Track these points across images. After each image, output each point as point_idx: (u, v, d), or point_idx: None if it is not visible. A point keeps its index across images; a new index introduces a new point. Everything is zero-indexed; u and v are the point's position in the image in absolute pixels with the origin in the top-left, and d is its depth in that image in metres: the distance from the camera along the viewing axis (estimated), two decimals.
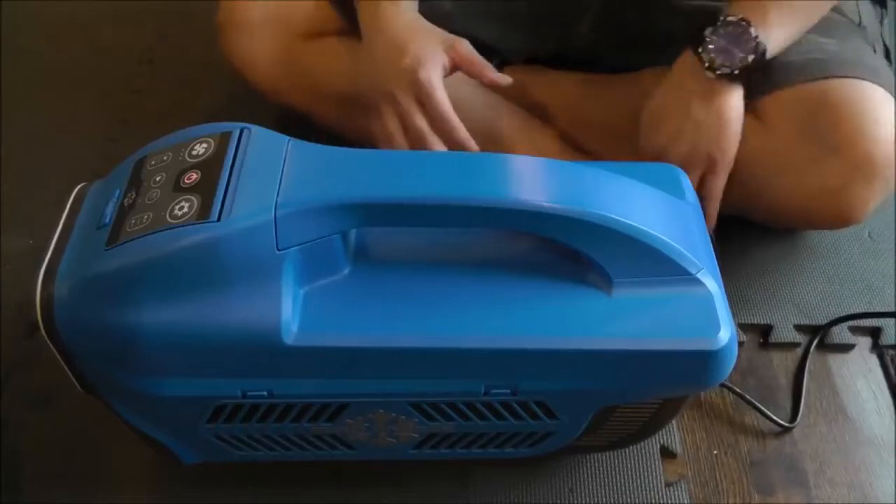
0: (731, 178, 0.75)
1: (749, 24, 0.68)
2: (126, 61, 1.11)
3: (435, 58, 0.69)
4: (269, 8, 0.86)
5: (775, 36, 0.69)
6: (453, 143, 0.70)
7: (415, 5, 0.75)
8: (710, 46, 0.68)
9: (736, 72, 0.68)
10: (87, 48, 1.13)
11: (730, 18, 0.68)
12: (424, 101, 0.69)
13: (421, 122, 0.70)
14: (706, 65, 0.68)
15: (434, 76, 0.68)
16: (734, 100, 0.70)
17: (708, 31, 0.68)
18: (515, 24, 0.84)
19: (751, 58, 0.68)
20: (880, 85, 0.72)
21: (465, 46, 0.71)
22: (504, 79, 0.72)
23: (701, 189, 0.72)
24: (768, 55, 0.69)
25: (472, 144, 0.70)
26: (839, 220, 0.74)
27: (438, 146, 0.70)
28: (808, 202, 0.73)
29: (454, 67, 0.70)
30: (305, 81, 0.86)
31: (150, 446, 0.61)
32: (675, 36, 0.72)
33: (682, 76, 0.71)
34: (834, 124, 0.70)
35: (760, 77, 0.71)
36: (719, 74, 0.68)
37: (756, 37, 0.68)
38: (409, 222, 0.52)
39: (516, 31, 0.84)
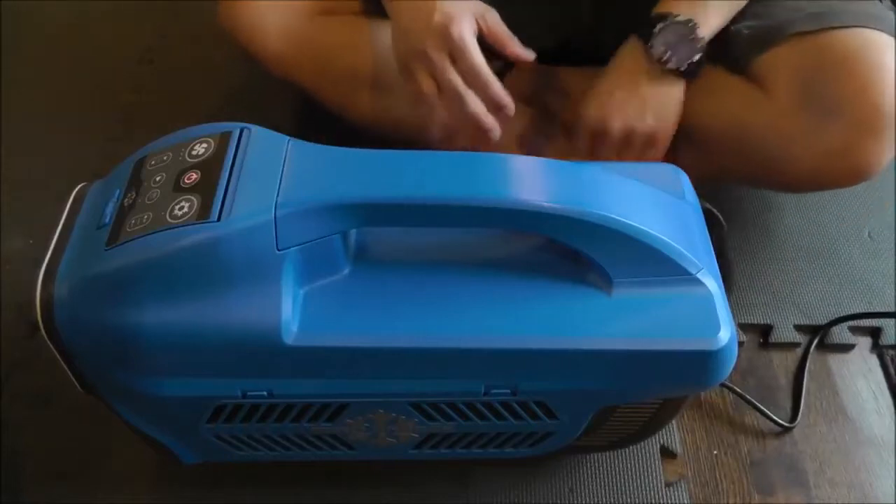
0: (738, 152, 0.75)
1: (696, 25, 0.71)
2: (126, 61, 1.11)
3: (467, 16, 0.68)
4: None
5: (713, 28, 0.73)
6: (488, 99, 0.70)
7: None
8: (660, 41, 0.72)
9: (683, 68, 0.72)
10: (87, 48, 1.13)
11: (679, 19, 0.71)
12: (458, 57, 0.68)
13: (455, 79, 0.69)
14: (656, 58, 0.72)
15: (466, 33, 0.68)
16: (678, 90, 0.74)
17: (657, 28, 0.71)
18: (517, 16, 0.83)
19: (696, 56, 0.72)
20: (882, 31, 0.69)
21: (495, 16, 0.71)
22: (528, 54, 0.72)
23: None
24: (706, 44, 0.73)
25: (508, 100, 0.71)
26: (852, 179, 0.72)
27: (475, 102, 0.70)
28: (819, 165, 0.71)
29: (480, 35, 0.70)
30: (312, 54, 0.85)
31: (150, 446, 0.61)
32: None
33: (631, 60, 0.74)
34: (835, 81, 0.68)
35: (747, 42, 0.74)
36: (668, 69, 0.72)
37: (702, 38, 0.72)
38: (409, 222, 0.52)
39: (518, 22, 0.84)
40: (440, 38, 0.68)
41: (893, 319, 0.80)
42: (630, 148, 0.76)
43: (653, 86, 0.74)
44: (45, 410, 0.72)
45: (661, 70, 0.73)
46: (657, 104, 0.74)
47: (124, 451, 0.68)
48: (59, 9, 1.19)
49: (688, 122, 0.76)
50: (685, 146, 0.77)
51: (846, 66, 0.68)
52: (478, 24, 0.70)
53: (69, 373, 0.54)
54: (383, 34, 0.78)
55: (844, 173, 0.71)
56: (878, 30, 0.69)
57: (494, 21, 0.71)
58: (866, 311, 0.81)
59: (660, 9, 0.73)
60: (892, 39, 0.69)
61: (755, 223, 0.86)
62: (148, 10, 1.19)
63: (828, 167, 0.71)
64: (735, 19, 0.75)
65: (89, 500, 0.67)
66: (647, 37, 0.72)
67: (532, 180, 0.52)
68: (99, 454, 0.69)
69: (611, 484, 0.68)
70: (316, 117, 0.89)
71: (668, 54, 0.72)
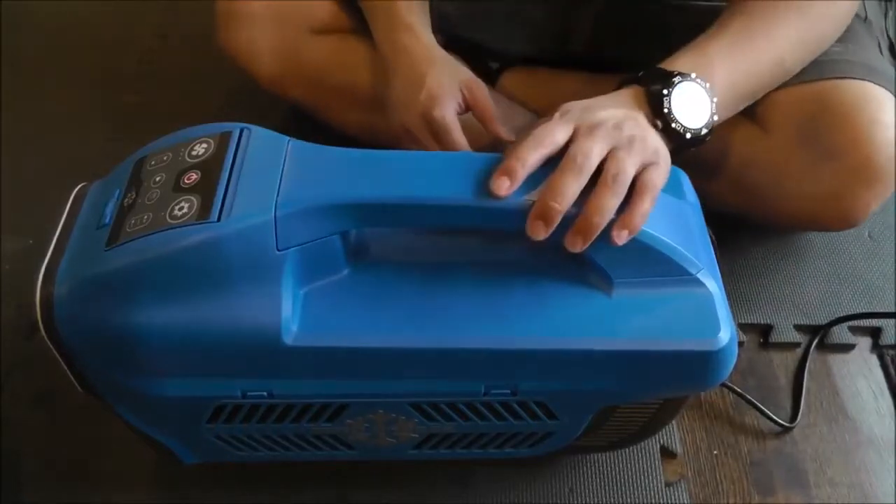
0: (731, 183, 0.75)
1: (714, 95, 0.59)
2: (126, 61, 1.11)
3: (450, 94, 0.68)
4: None
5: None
6: None
7: (429, 25, 0.75)
8: (676, 92, 0.58)
9: (688, 135, 0.58)
10: (87, 48, 1.13)
11: (699, 81, 0.59)
12: (440, 137, 0.68)
13: None
14: (665, 110, 0.57)
15: (448, 113, 0.67)
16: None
17: (676, 79, 0.58)
18: (517, 23, 0.83)
19: (703, 131, 0.59)
20: (882, 86, 0.71)
21: (482, 91, 0.70)
22: (507, 135, 0.71)
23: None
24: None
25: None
26: (840, 223, 0.74)
27: None
28: (809, 207, 0.73)
29: (467, 108, 0.70)
30: (305, 73, 0.86)
31: (150, 446, 0.61)
32: (676, 28, 0.72)
33: (628, 99, 0.59)
34: (833, 128, 0.70)
35: None
36: (673, 128, 0.57)
37: (714, 114, 0.59)
38: (409, 223, 0.52)
39: (518, 31, 0.84)
40: (423, 119, 0.68)
41: (893, 319, 0.80)
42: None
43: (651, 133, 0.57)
44: (45, 410, 0.72)
45: (660, 129, 0.57)
46: (649, 140, 0.55)
47: (124, 451, 0.68)
48: (59, 9, 1.20)
49: None
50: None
51: (843, 117, 0.69)
52: (464, 96, 0.69)
53: (69, 373, 0.54)
54: (374, 54, 0.78)
55: (833, 217, 0.73)
56: (877, 84, 0.71)
57: (481, 95, 0.70)
58: (866, 311, 0.81)
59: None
60: (889, 95, 0.71)
61: (755, 223, 0.86)
62: (148, 10, 1.19)
63: (818, 209, 0.73)
64: None
65: (89, 500, 0.67)
66: (664, 85, 0.58)
67: (532, 180, 0.52)
68: (99, 454, 0.69)
69: (611, 484, 0.68)
70: (316, 117, 0.89)
71: (677, 110, 0.57)
